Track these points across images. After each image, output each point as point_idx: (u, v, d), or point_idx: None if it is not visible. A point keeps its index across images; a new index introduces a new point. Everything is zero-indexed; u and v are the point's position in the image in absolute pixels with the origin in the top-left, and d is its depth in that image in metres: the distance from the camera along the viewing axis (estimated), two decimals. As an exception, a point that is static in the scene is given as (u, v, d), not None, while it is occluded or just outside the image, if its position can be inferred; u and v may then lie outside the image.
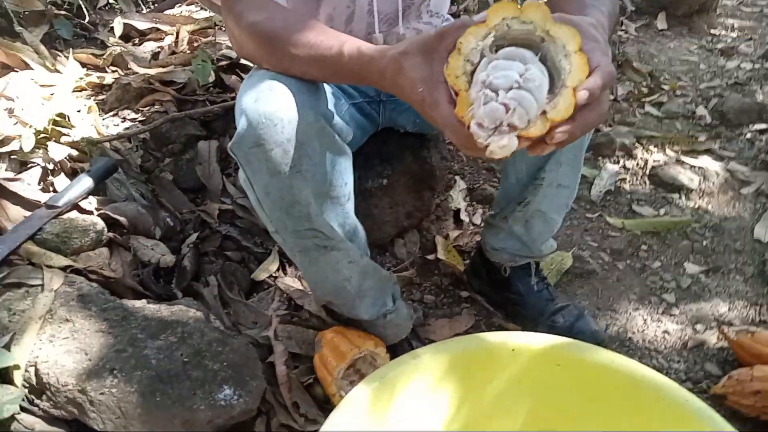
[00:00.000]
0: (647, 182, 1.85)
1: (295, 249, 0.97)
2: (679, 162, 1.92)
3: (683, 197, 1.78)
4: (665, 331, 1.31)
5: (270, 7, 0.86)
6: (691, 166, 1.89)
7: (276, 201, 0.88)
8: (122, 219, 1.24)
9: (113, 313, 1.03)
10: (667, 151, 1.98)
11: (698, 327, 1.31)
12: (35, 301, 0.99)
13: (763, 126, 2.12)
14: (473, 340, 0.94)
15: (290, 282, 1.32)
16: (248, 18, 0.86)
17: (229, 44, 1.74)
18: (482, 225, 1.65)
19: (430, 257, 1.51)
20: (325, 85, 1.06)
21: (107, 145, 1.42)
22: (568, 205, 1.19)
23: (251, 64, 1.71)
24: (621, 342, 1.29)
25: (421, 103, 0.69)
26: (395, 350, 1.20)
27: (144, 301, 1.11)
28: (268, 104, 0.82)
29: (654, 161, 1.91)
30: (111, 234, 1.22)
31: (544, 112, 0.63)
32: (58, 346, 0.95)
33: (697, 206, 1.74)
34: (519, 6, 0.66)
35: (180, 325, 1.04)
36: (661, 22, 3.18)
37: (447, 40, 0.68)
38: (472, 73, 0.65)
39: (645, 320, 1.34)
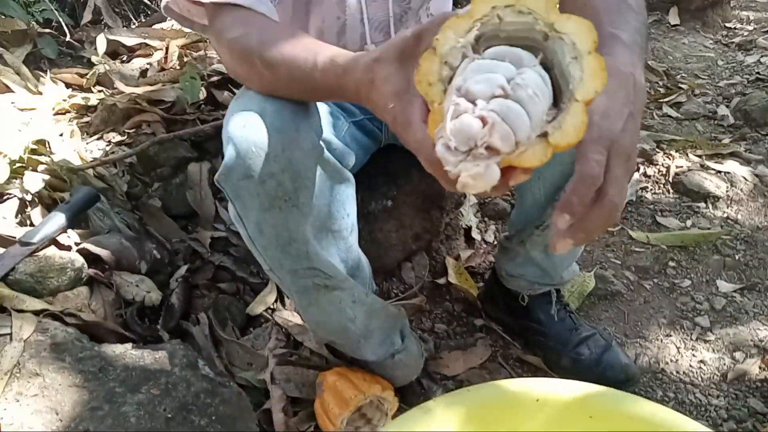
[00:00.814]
0: (670, 191, 1.73)
1: (293, 289, 0.87)
2: (703, 167, 1.79)
3: (710, 206, 1.66)
4: (701, 361, 1.19)
5: (249, 21, 0.76)
6: (717, 172, 1.77)
7: (270, 239, 0.78)
8: (104, 254, 1.14)
9: (90, 363, 0.93)
10: (690, 155, 1.85)
11: (737, 355, 1.19)
12: (1, 354, 0.89)
13: (790, 126, 2.00)
14: (491, 389, 0.84)
15: (289, 316, 1.21)
16: (227, 35, 0.76)
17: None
18: (496, 244, 1.54)
19: (441, 281, 1.40)
20: (323, 103, 0.96)
21: (91, 171, 1.32)
22: (591, 227, 1.08)
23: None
24: (653, 374, 1.17)
25: (393, 122, 0.55)
26: (404, 392, 1.09)
27: (127, 345, 1.00)
28: (258, 131, 0.71)
29: (677, 167, 1.79)
30: (92, 271, 1.12)
31: (545, 134, 0.47)
32: (26, 405, 0.84)
33: (726, 216, 1.62)
34: None
35: (164, 375, 0.93)
36: (673, 17, 3.06)
37: (427, 40, 0.53)
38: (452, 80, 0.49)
39: (678, 348, 1.22)
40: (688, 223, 1.60)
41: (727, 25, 3.10)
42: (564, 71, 0.48)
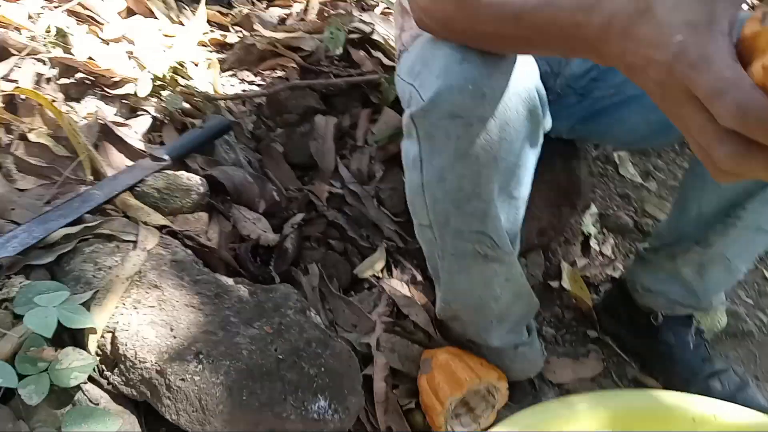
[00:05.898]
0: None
1: (449, 250, 0.78)
2: None
3: None
4: None
5: None
6: None
7: (450, 190, 0.70)
8: (228, 185, 1.11)
9: (206, 287, 0.89)
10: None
11: None
12: (125, 259, 0.87)
13: None
14: (642, 397, 0.74)
15: (397, 285, 1.15)
16: None
17: (363, 18, 1.61)
18: (613, 258, 1.43)
19: (554, 284, 1.31)
20: None
21: (222, 104, 1.30)
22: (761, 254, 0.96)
23: (392, 41, 1.56)
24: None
25: (673, 61, 0.40)
26: (513, 389, 1.00)
27: (239, 279, 0.97)
28: (480, 67, 0.63)
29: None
30: (212, 200, 1.09)
31: None
32: (142, 314, 0.82)
33: None
34: None
35: (278, 315, 0.89)
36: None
37: None
38: None
39: (824, 406, 1.08)
40: (834, 276, 1.44)
41: None
42: None
